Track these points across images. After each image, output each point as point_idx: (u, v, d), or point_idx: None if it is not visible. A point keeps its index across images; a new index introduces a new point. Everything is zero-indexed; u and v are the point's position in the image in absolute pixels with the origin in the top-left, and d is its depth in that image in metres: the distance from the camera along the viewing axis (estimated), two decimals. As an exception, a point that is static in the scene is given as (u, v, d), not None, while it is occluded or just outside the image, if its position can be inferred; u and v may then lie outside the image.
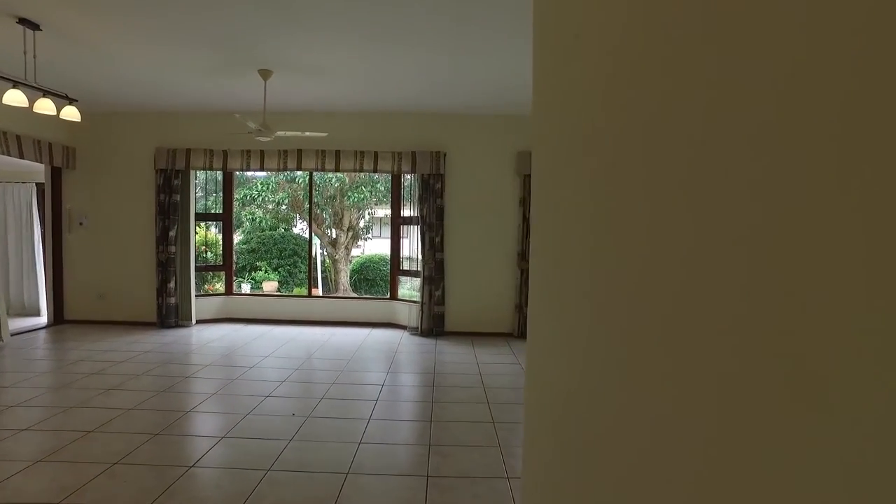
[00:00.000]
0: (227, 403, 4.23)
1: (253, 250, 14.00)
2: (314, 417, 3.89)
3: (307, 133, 5.74)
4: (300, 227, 14.85)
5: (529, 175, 6.79)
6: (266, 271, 13.63)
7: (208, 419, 3.92)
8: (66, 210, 7.20)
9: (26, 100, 4.20)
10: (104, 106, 6.92)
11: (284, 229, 14.90)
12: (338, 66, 5.21)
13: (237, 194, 13.82)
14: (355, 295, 13.72)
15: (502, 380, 5.01)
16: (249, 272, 13.76)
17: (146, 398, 4.20)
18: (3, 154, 6.04)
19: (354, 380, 4.90)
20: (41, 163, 6.60)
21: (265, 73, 5.31)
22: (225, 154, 7.02)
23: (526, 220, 6.88)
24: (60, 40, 4.48)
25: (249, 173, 14.33)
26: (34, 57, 4.31)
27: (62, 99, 4.59)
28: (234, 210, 13.91)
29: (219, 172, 7.51)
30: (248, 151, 7.01)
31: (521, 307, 6.91)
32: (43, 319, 7.31)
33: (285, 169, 7.02)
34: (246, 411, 3.97)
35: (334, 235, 14.72)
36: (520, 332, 6.93)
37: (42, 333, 6.65)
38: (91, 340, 6.19)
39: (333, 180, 13.79)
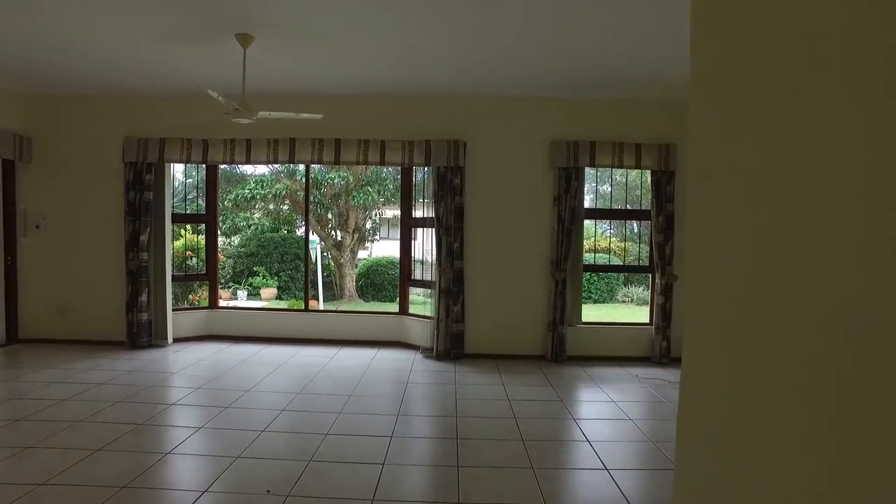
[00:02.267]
0: (174, 475, 3.15)
1: (251, 254, 12.96)
2: (296, 496, 2.80)
3: (297, 114, 4.64)
4: (304, 230, 13.78)
5: (565, 168, 5.64)
6: (265, 277, 12.57)
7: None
8: (20, 211, 6.16)
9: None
10: (63, 87, 5.88)
11: (287, 231, 13.87)
12: (335, 30, 4.12)
13: (231, 195, 12.81)
14: (361, 304, 12.67)
15: (544, 427, 3.89)
16: (247, 278, 12.71)
17: (75, 461, 3.13)
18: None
19: (354, 427, 3.80)
20: (-15, 154, 5.56)
21: (244, 40, 4.23)
22: (205, 144, 5.95)
23: (562, 221, 5.76)
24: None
25: (243, 169, 13.31)
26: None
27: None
28: (228, 213, 13.14)
29: (202, 166, 6.44)
30: (232, 141, 5.94)
31: (555, 325, 5.79)
32: (-4, 338, 6.27)
33: (276, 161, 5.95)
34: (200, 487, 2.89)
35: (339, 237, 13.66)
36: (554, 355, 5.81)
37: (-11, 356, 5.61)
38: (39, 367, 5.13)
39: (337, 178, 12.70)
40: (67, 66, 5.17)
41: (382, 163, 5.87)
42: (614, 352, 5.95)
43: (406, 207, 6.44)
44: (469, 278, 5.93)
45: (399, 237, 6.58)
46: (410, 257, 6.48)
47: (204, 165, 6.35)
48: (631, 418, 4.09)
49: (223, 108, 4.36)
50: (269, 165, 12.92)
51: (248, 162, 5.96)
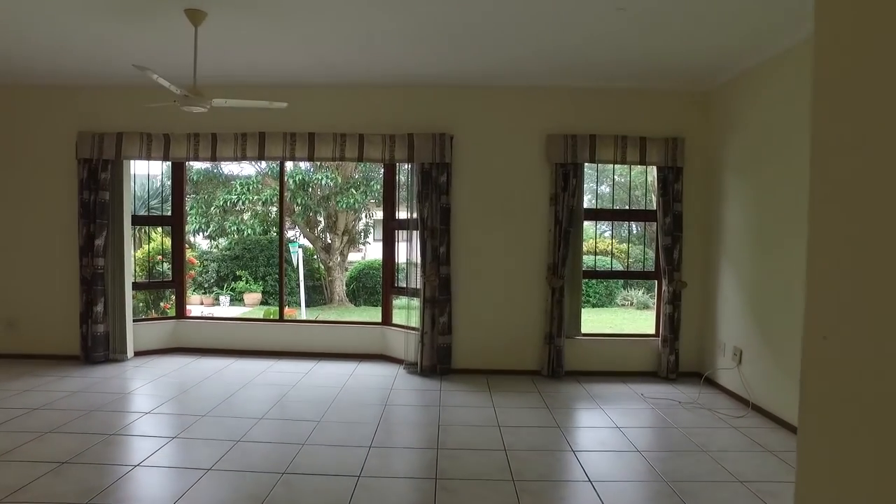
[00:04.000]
0: (100, 525, 2.60)
1: (236, 257, 12.42)
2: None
3: (256, 102, 4.10)
4: (294, 233, 13.24)
5: (563, 164, 4.98)
6: (248, 282, 12.02)
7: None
8: (-35, 213, 5.61)
9: None
10: (7, 77, 5.33)
11: (276, 233, 13.32)
12: (296, 6, 3.59)
13: (218, 201, 12.25)
14: (351, 309, 12.13)
15: (539, 462, 3.35)
16: (230, 283, 12.16)
17: (-31, 516, 2.59)
18: None
19: (318, 464, 3.25)
20: (-79, 151, 5.02)
21: (195, 16, 3.70)
22: (167, 139, 5.41)
23: (559, 222, 5.22)
24: None
25: (229, 170, 12.76)
26: None
27: None
28: (214, 216, 12.55)
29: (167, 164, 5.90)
30: (196, 135, 5.39)
31: (552, 338, 5.25)
32: (-59, 352, 5.72)
33: (244, 158, 5.40)
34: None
35: (328, 240, 13.12)
36: (551, 371, 5.27)
37: (-75, 374, 5.05)
38: (-23, 387, 4.59)
39: (325, 179, 12.15)
40: (8, 51, 4.63)
41: (361, 159, 5.32)
42: (617, 366, 5.41)
43: (389, 208, 5.90)
44: (457, 286, 5.39)
45: (382, 240, 6.04)
46: (394, 263, 5.95)
47: (169, 163, 5.80)
48: (639, 450, 3.55)
49: (171, 96, 3.82)
50: (255, 165, 12.40)
51: (213, 158, 5.41)
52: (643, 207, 11.27)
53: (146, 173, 6.34)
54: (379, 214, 13.95)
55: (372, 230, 14.45)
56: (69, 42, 4.37)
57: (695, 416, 4.23)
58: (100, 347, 5.44)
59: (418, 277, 5.39)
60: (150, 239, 9.26)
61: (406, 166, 5.62)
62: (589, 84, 5.22)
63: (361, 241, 14.55)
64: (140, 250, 8.96)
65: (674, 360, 5.24)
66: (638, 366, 5.41)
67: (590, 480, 3.09)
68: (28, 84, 5.48)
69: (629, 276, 11.60)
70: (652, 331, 5.67)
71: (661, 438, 3.81)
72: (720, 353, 4.97)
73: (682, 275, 5.27)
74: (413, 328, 5.47)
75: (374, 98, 5.40)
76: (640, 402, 4.59)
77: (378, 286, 12.00)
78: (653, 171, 5.52)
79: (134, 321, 5.74)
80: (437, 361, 5.29)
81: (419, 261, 5.36)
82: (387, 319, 5.94)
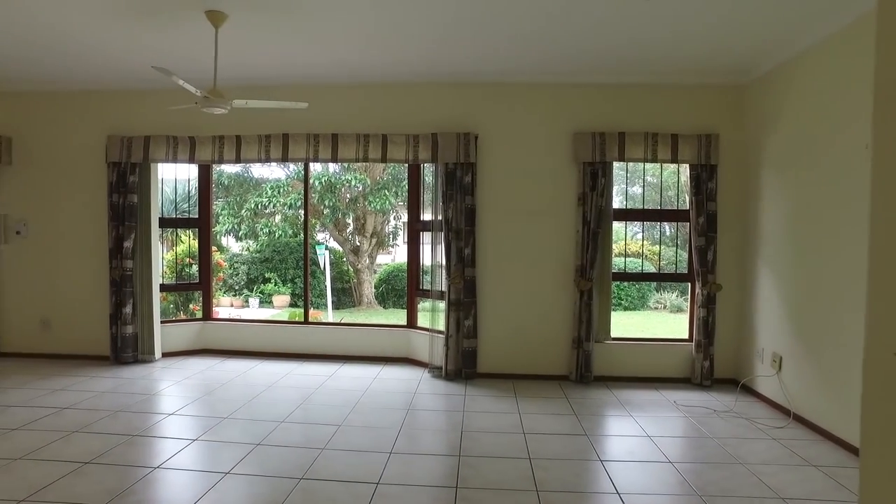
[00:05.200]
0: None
1: (266, 259, 12.53)
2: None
3: (277, 103, 4.08)
4: (324, 235, 13.32)
5: (591, 163, 4.77)
6: (277, 283, 12.11)
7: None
8: (0, 216, 5.75)
9: None
10: (42, 84, 5.46)
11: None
12: (315, 5, 3.54)
13: (249, 204, 12.39)
14: (379, 311, 12.11)
15: (564, 472, 3.21)
16: (259, 285, 12.28)
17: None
18: None
19: (336, 469, 3.19)
20: (-41, 155, 5.16)
21: (215, 17, 3.69)
22: (192, 141, 5.45)
23: (587, 223, 5.07)
24: None
25: (260, 174, 12.90)
26: None
27: None
28: (245, 219, 12.71)
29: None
30: (221, 138, 5.42)
31: (580, 342, 5.10)
32: (-22, 351, 5.88)
33: (268, 159, 5.40)
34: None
35: (357, 242, 13.15)
36: (579, 376, 5.11)
37: (-37, 373, 5.18)
38: (5, 386, 4.67)
39: (354, 181, 12.18)
40: (38, 59, 4.73)
41: (384, 159, 5.26)
42: (648, 372, 5.22)
43: (413, 210, 5.83)
44: (482, 288, 5.29)
45: (407, 242, 5.97)
46: (418, 265, 5.87)
47: (195, 165, 5.85)
48: (671, 461, 3.38)
49: (193, 98, 3.82)
50: (284, 168, 12.50)
51: (238, 160, 5.42)
52: (675, 208, 10.96)
53: (176, 177, 6.40)
54: (406, 216, 13.98)
55: (401, 232, 14.44)
56: (96, 48, 4.43)
57: (731, 425, 4.03)
58: (128, 348, 5.50)
59: (443, 280, 5.30)
60: (179, 241, 9.40)
61: (430, 167, 5.55)
62: (617, 80, 5.06)
63: (390, 243, 14.55)
64: (170, 252, 9.10)
65: (708, 365, 5.03)
66: (670, 372, 5.21)
67: (618, 493, 2.95)
68: (61, 90, 5.60)
69: (661, 279, 11.27)
70: (685, 335, 5.46)
71: (695, 449, 3.63)
72: (758, 360, 4.74)
73: (716, 277, 5.06)
74: (438, 331, 5.39)
75: (397, 97, 5.34)
76: (672, 409, 4.40)
77: (406, 289, 11.97)
78: (685, 170, 5.31)
79: (162, 323, 5.79)
80: (462, 365, 5.19)
81: (444, 263, 5.27)
82: (412, 322, 5.87)
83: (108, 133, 5.53)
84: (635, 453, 3.51)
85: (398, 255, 15.68)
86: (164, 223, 6.02)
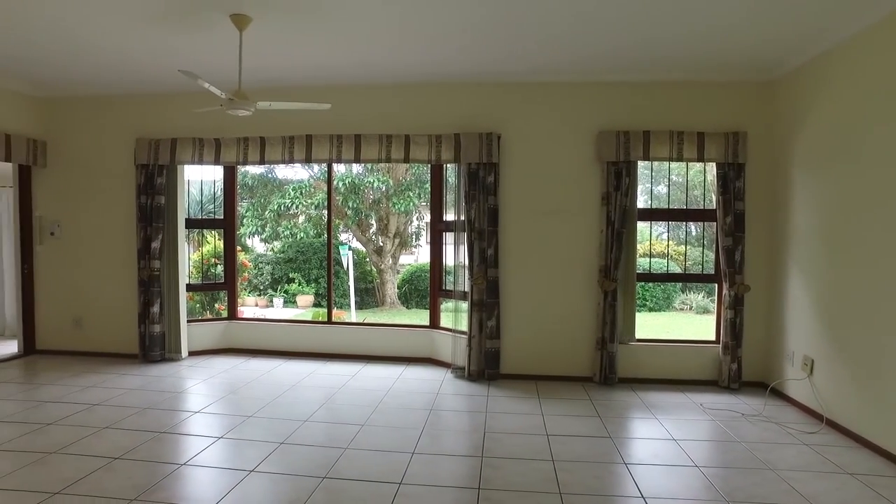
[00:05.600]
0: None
1: (290, 260, 12.66)
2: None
3: (301, 104, 4.11)
4: (347, 236, 13.40)
5: (615, 162, 4.63)
6: (300, 284, 12.23)
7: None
8: (35, 217, 5.91)
9: None
10: (73, 89, 5.60)
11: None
12: (337, 5, 3.56)
13: (272, 205, 12.52)
14: (402, 312, 12.13)
15: (588, 475, 3.17)
16: (283, 285, 12.41)
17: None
18: (-62, 147, 4.75)
19: (359, 468, 3.20)
20: (-5, 158, 5.31)
21: (240, 21, 3.73)
22: (217, 143, 5.52)
23: (611, 223, 5.01)
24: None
25: (283, 175, 13.04)
26: None
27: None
28: (269, 220, 12.85)
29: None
30: (246, 139, 5.49)
31: (604, 343, 5.04)
32: (13, 348, 6.05)
33: (292, 161, 5.45)
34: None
35: (380, 243, 13.20)
36: (603, 378, 5.06)
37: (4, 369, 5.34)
38: (40, 382, 4.80)
39: (376, 182, 12.23)
40: (69, 65, 4.85)
41: (407, 160, 5.27)
42: (673, 374, 5.14)
43: (436, 210, 5.83)
44: (505, 289, 5.26)
45: (429, 243, 5.98)
46: (441, 265, 5.87)
47: (220, 167, 5.93)
48: (697, 465, 3.32)
49: (218, 100, 3.87)
50: (307, 169, 12.61)
51: (262, 162, 5.48)
52: (702, 207, 10.79)
53: (202, 178, 6.52)
54: (429, 216, 13.99)
55: (423, 233, 14.46)
56: (125, 54, 4.52)
57: (760, 429, 3.94)
58: (156, 347, 5.60)
59: (466, 280, 5.29)
60: (205, 242, 9.55)
61: (453, 167, 5.54)
62: (642, 78, 5.00)
63: (413, 243, 14.58)
64: (196, 253, 9.25)
65: (736, 368, 4.92)
66: (696, 374, 5.12)
67: (643, 496, 2.90)
68: (91, 95, 5.73)
69: (687, 280, 11.08)
70: (712, 336, 5.35)
71: (723, 453, 3.56)
72: (788, 363, 4.63)
73: (744, 278, 4.95)
74: (461, 332, 5.38)
75: (419, 97, 5.35)
76: (698, 412, 4.32)
77: (429, 289, 11.97)
78: (712, 169, 5.21)
79: (188, 322, 5.89)
80: (484, 366, 5.17)
81: (467, 263, 5.26)
82: (434, 322, 5.87)
83: (137, 136, 5.65)
84: (660, 457, 3.45)
85: (421, 255, 15.71)
86: (191, 224, 6.11)
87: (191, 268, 7.85)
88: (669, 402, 4.59)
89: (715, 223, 5.10)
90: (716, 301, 5.32)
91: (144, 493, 2.86)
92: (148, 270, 5.54)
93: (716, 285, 5.32)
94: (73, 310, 5.92)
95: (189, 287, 6.10)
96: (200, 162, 5.54)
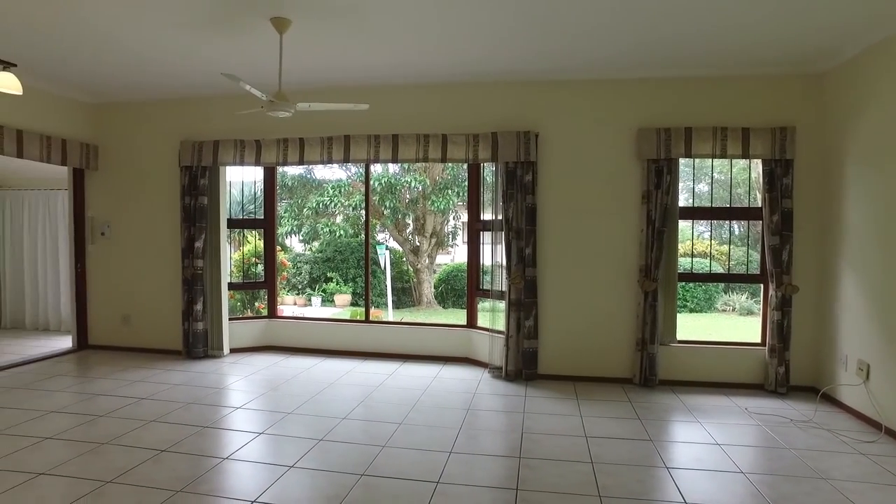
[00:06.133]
0: (188, 516, 2.69)
1: (327, 259, 12.84)
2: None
3: (339, 105, 4.15)
4: (384, 236, 13.52)
5: (656, 160, 4.51)
6: (338, 283, 12.38)
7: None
8: (88, 218, 6.15)
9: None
10: (123, 94, 5.80)
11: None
12: (376, 7, 3.58)
13: (311, 203, 12.73)
14: (439, 311, 12.16)
15: (629, 478, 3.11)
16: (321, 284, 12.59)
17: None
18: (-4, 152, 4.99)
19: (397, 466, 3.21)
20: (50, 162, 5.55)
21: (280, 24, 3.80)
22: (258, 145, 5.64)
23: (652, 222, 4.91)
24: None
25: (322, 175, 13.23)
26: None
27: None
28: (306, 219, 13.07)
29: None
30: (285, 141, 5.58)
31: (644, 344, 4.94)
32: (68, 343, 6.31)
33: (330, 161, 5.51)
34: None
35: (417, 243, 13.27)
36: (643, 379, 4.95)
37: (54, 363, 5.56)
38: (90, 376, 4.99)
39: (413, 182, 12.29)
40: (119, 72, 5.02)
41: (444, 159, 5.27)
42: (717, 377, 4.99)
43: (473, 209, 5.82)
44: (543, 289, 5.21)
45: (466, 242, 5.96)
46: (478, 265, 5.85)
47: (260, 167, 6.06)
48: (743, 471, 3.21)
49: (259, 102, 3.95)
50: (344, 169, 12.76)
51: (301, 162, 5.56)
52: (746, 205, 10.46)
53: (242, 179, 6.69)
54: (466, 216, 13.98)
55: (460, 232, 14.45)
56: (170, 60, 4.65)
57: (811, 436, 3.79)
58: (199, 344, 5.76)
59: (503, 280, 5.26)
60: (245, 241, 9.77)
61: (490, 166, 5.52)
62: (684, 73, 4.87)
63: (449, 243, 14.60)
64: (237, 252, 9.47)
65: (783, 372, 4.75)
66: (741, 377, 4.96)
67: (685, 502, 2.82)
68: (139, 100, 5.94)
69: (731, 280, 10.75)
70: (757, 339, 5.18)
71: (770, 460, 3.43)
72: (841, 367, 4.44)
73: (792, 278, 4.78)
74: (498, 331, 5.35)
75: (456, 97, 5.34)
76: (743, 416, 4.19)
77: (465, 288, 11.94)
78: (757, 166, 5.04)
79: (230, 320, 6.03)
80: (522, 366, 5.13)
81: (504, 263, 5.23)
82: (472, 322, 5.85)
83: (181, 138, 5.82)
84: (704, 461, 3.35)
85: (457, 255, 15.72)
86: (232, 224, 6.26)
87: (232, 267, 8.03)
88: (712, 405, 4.47)
89: (760, 221, 4.94)
90: (761, 302, 5.15)
91: (189, 485, 2.93)
92: (191, 269, 5.69)
93: (761, 286, 5.15)
94: (122, 307, 6.13)
95: (230, 286, 6.24)
96: (241, 163, 5.67)
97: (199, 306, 5.70)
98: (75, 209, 6.13)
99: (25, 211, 7.47)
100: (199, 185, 5.67)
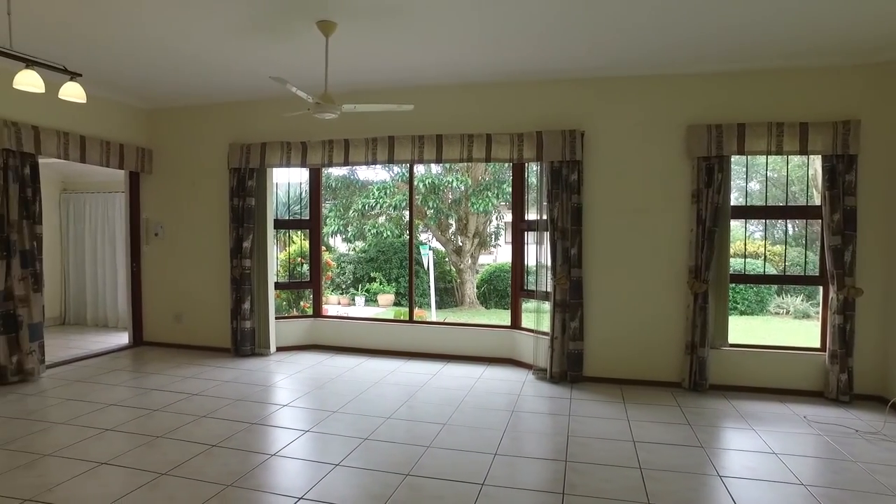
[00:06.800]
0: (238, 511, 2.75)
1: (371, 259, 12.97)
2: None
3: (384, 106, 4.17)
4: (426, 236, 13.57)
5: (706, 157, 4.29)
6: (381, 283, 12.49)
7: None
8: (143, 219, 6.39)
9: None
10: (175, 99, 5.99)
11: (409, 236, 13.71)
12: (422, 7, 3.58)
13: (356, 205, 12.88)
14: (482, 312, 12.12)
15: (679, 486, 3.01)
16: (365, 283, 12.73)
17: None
18: (61, 158, 5.23)
19: (442, 468, 3.20)
20: (109, 166, 5.79)
21: (326, 27, 3.84)
22: (304, 146, 5.73)
23: (702, 221, 4.75)
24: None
25: (365, 176, 13.38)
26: (8, 14, 3.20)
27: (58, 72, 3.44)
28: (352, 220, 13.25)
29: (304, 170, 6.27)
30: (331, 142, 5.66)
31: (694, 347, 4.78)
32: (125, 339, 6.57)
33: (375, 162, 5.56)
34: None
35: (459, 243, 13.26)
36: (692, 384, 4.80)
37: (112, 358, 5.79)
38: (145, 372, 5.17)
39: (455, 182, 12.28)
40: (171, 79, 5.19)
41: (488, 159, 5.24)
42: (771, 382, 4.79)
43: (517, 209, 5.76)
44: (589, 289, 5.11)
45: (510, 242, 5.91)
46: (523, 265, 5.79)
47: (306, 169, 6.17)
48: (803, 482, 3.06)
49: (306, 104, 4.01)
50: (388, 170, 12.87)
51: (346, 163, 5.63)
52: (804, 203, 10.03)
53: (289, 181, 6.81)
54: (509, 217, 13.88)
55: (503, 232, 14.37)
56: (219, 65, 4.77)
57: (880, 449, 3.57)
58: (247, 342, 5.89)
59: (548, 280, 5.19)
60: (291, 241, 9.97)
61: (535, 166, 5.46)
62: (736, 67, 4.70)
63: (492, 243, 14.54)
64: (283, 252, 9.66)
65: (846, 379, 4.52)
66: (798, 383, 4.75)
67: (742, 512, 2.71)
68: (190, 105, 6.14)
69: (787, 282, 10.32)
70: (816, 343, 4.95)
71: (834, 473, 3.25)
72: (908, 374, 4.19)
73: (855, 280, 4.54)
74: (543, 333, 5.28)
75: (501, 96, 5.30)
76: (802, 425, 4.00)
77: (508, 289, 11.84)
78: (814, 162, 4.82)
79: (276, 318, 6.15)
80: (567, 368, 5.05)
81: (549, 263, 5.15)
82: (516, 323, 5.80)
83: (230, 141, 5.97)
84: (759, 471, 3.22)
85: (500, 255, 15.63)
86: (278, 224, 6.38)
87: (278, 267, 8.20)
88: (767, 412, 4.29)
89: (819, 221, 4.72)
90: (820, 305, 4.92)
91: (239, 480, 3.00)
92: (239, 269, 5.83)
93: (820, 288, 4.92)
94: (174, 305, 6.34)
95: (277, 285, 6.36)
96: (288, 164, 5.77)
97: (246, 305, 5.84)
98: (131, 211, 6.37)
99: (87, 213, 7.82)
100: (246, 187, 5.80)
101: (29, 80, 3.22)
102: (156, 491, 2.87)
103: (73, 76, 3.52)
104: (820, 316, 4.93)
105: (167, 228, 6.32)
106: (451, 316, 11.59)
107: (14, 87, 3.26)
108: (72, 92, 3.52)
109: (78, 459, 3.25)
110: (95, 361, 5.72)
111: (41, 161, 5.13)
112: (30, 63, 3.24)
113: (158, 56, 4.59)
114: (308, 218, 6.32)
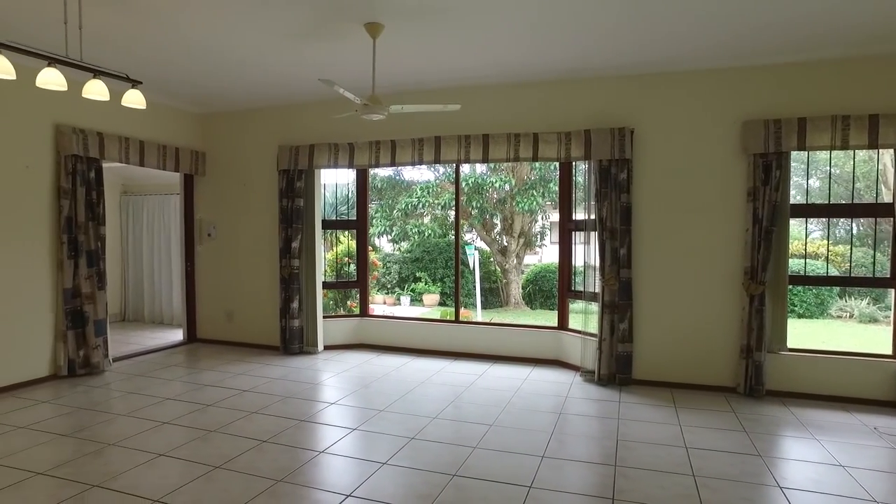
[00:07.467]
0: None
1: (416, 259, 13.05)
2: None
3: (431, 106, 4.18)
4: (472, 236, 13.57)
5: (763, 154, 3.98)
6: (427, 283, 12.54)
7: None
8: (196, 220, 6.61)
9: (63, 81, 3.22)
10: (226, 103, 6.16)
11: (454, 236, 13.72)
12: (469, 7, 3.57)
13: (400, 204, 12.99)
14: (527, 312, 12.02)
15: (736, 496, 2.89)
16: (410, 283, 12.82)
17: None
18: (122, 162, 5.47)
19: (488, 469, 3.18)
20: (165, 169, 6.01)
21: (373, 29, 3.87)
22: (351, 148, 5.81)
23: (759, 221, 4.56)
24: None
25: (410, 177, 13.46)
26: (79, 28, 3.36)
27: (121, 80, 3.59)
28: (397, 220, 13.36)
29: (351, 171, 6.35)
30: (377, 143, 5.71)
31: (750, 351, 4.60)
32: (179, 336, 6.81)
33: (421, 162, 5.57)
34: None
35: (504, 243, 13.18)
36: (748, 389, 4.62)
37: (168, 354, 6.02)
38: (197, 368, 5.35)
39: (499, 182, 12.22)
40: (223, 84, 5.34)
41: (535, 158, 5.18)
42: (834, 389, 4.56)
43: (565, 209, 5.67)
44: (639, 290, 4.99)
45: (558, 242, 5.84)
46: (570, 265, 5.70)
47: (353, 170, 6.25)
48: (876, 499, 2.89)
49: (353, 106, 4.06)
50: (432, 170, 12.92)
51: (393, 163, 5.67)
52: (872, 201, 9.51)
53: (336, 181, 6.93)
54: (555, 216, 13.72)
55: (549, 232, 14.22)
56: (269, 68, 4.88)
57: (952, 459, 3.36)
58: (295, 340, 6.01)
59: (596, 281, 5.09)
60: (338, 241, 10.12)
61: (582, 164, 5.36)
62: (794, 58, 4.49)
63: (538, 243, 14.40)
64: (330, 252, 9.82)
65: (917, 386, 4.26)
66: (866, 392, 4.50)
67: (805, 526, 2.58)
68: (241, 108, 6.32)
69: (852, 284, 9.81)
70: (886, 350, 4.68)
71: (904, 484, 3.07)
72: None
73: (929, 282, 4.27)
74: (591, 334, 5.19)
75: (548, 94, 5.24)
76: (871, 437, 3.78)
77: (554, 289, 11.69)
78: (883, 156, 4.55)
79: (324, 318, 6.25)
80: (616, 370, 4.95)
81: (597, 263, 5.06)
82: (563, 324, 5.71)
83: (279, 143, 6.11)
84: (824, 484, 3.06)
85: (545, 255, 15.46)
86: (326, 225, 6.49)
87: (326, 266, 8.34)
88: (831, 421, 4.08)
89: (890, 219, 4.46)
90: (892, 308, 4.64)
91: (289, 476, 3.05)
92: (288, 269, 5.96)
93: (891, 291, 4.65)
94: (226, 304, 6.53)
95: (324, 285, 6.47)
96: (335, 165, 5.86)
97: (295, 304, 5.96)
98: (186, 212, 6.60)
99: (144, 214, 8.15)
100: (295, 188, 5.92)
101: (96, 90, 3.37)
102: (211, 483, 2.96)
103: (135, 84, 3.66)
104: (892, 320, 4.65)
105: (219, 229, 6.52)
106: (496, 316, 11.54)
107: (83, 96, 3.41)
108: (133, 99, 3.67)
109: (138, 450, 3.39)
110: (153, 357, 5.95)
111: (104, 165, 5.38)
112: (97, 73, 3.38)
113: (212, 63, 4.74)
114: (355, 218, 6.40)
